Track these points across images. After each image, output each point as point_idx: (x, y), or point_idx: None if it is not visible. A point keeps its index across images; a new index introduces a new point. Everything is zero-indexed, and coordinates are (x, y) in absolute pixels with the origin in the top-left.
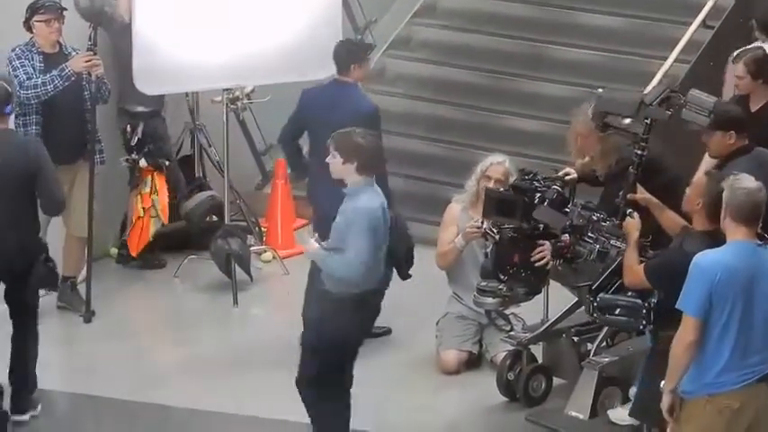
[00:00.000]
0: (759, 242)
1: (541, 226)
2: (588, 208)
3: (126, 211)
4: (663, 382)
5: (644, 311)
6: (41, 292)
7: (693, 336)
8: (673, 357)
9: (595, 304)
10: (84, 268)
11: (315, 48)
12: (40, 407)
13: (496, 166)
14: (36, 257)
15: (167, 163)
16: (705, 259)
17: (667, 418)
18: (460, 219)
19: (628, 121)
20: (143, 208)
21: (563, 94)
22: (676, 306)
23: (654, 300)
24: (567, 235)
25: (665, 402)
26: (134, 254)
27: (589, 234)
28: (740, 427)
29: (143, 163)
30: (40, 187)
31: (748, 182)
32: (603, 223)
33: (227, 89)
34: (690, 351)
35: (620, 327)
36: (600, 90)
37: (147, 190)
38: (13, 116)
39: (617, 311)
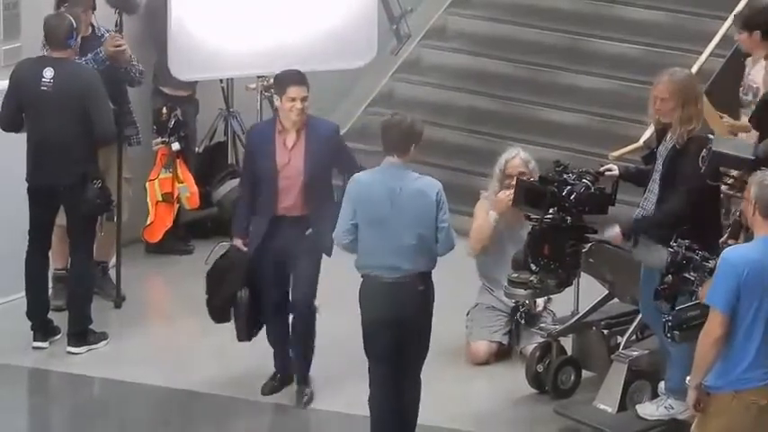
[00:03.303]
0: None
1: (569, 219)
2: (691, 249)
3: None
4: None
5: None
6: None
7: (721, 331)
8: (699, 352)
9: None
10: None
11: (350, 36)
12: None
13: (512, 160)
14: (86, 181)
15: (197, 150)
16: (733, 254)
17: (693, 412)
18: (491, 213)
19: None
20: (163, 193)
21: (600, 87)
22: (705, 301)
23: None
24: (670, 276)
25: (691, 397)
26: (152, 241)
27: (690, 274)
28: (766, 424)
29: (176, 147)
30: (91, 114)
31: None
32: (706, 263)
33: (261, 76)
34: (717, 346)
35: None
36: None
37: (168, 175)
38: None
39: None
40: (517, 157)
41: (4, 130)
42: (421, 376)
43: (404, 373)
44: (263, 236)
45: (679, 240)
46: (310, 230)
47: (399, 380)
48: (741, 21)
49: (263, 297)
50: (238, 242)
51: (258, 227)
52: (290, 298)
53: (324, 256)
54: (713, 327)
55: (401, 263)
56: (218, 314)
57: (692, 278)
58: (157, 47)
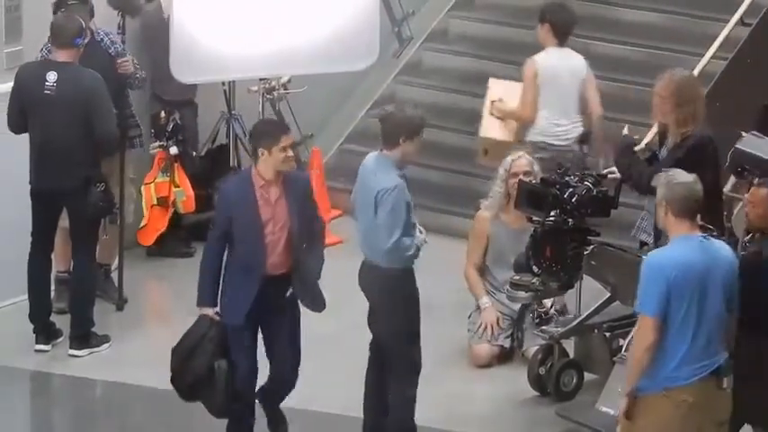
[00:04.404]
0: (703, 235)
1: (571, 221)
2: None
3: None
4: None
5: None
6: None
7: (654, 336)
8: (634, 358)
9: None
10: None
11: (352, 39)
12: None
13: (518, 160)
14: (89, 184)
15: (194, 154)
16: (658, 258)
17: (622, 420)
18: (492, 230)
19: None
20: (159, 197)
21: (601, 89)
22: (635, 309)
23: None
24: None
25: (623, 404)
26: (145, 244)
27: None
28: (694, 422)
29: (174, 150)
30: (93, 117)
31: (683, 176)
32: None
33: (263, 79)
34: (650, 352)
35: None
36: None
37: (165, 179)
38: None
39: None
40: (523, 158)
41: (14, 132)
42: (422, 378)
43: (387, 372)
44: (254, 299)
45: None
46: (291, 290)
47: (383, 378)
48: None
49: (239, 367)
50: (209, 311)
51: (244, 290)
52: (274, 367)
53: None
54: (646, 333)
55: (363, 249)
56: (188, 393)
57: None
58: (155, 57)
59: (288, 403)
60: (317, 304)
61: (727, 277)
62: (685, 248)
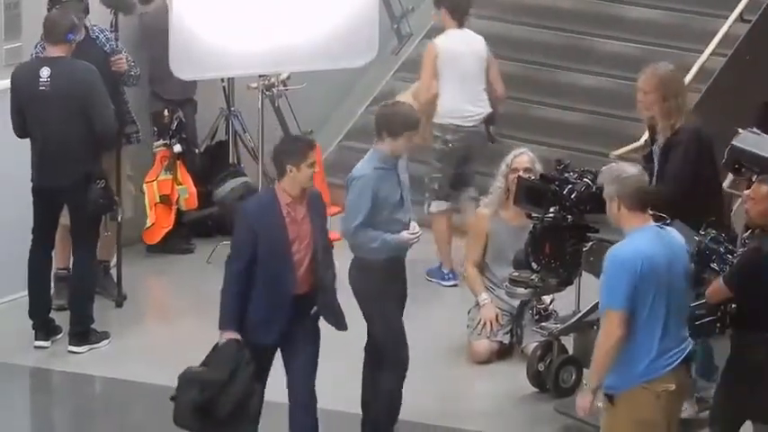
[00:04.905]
0: (658, 225)
1: (570, 217)
2: (717, 240)
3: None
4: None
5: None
6: None
7: (621, 331)
8: (600, 355)
9: None
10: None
11: (352, 36)
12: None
13: (520, 156)
14: (89, 181)
15: (197, 151)
16: (623, 252)
17: (584, 414)
18: (491, 227)
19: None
20: (161, 195)
21: (600, 86)
22: (601, 306)
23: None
24: (692, 264)
25: (587, 399)
26: (151, 243)
27: (712, 266)
28: (672, 408)
29: (177, 148)
30: (90, 111)
31: (631, 169)
32: (729, 256)
33: (262, 75)
34: (619, 346)
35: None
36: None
37: (168, 177)
38: None
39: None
40: (525, 155)
41: (18, 136)
42: (421, 374)
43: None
44: (288, 319)
45: (708, 230)
46: (315, 309)
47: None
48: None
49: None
50: (235, 335)
51: (275, 309)
52: (294, 389)
53: None
54: (613, 328)
55: None
56: (220, 424)
57: (716, 269)
58: (155, 55)
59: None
60: (341, 323)
61: (686, 265)
62: (646, 240)
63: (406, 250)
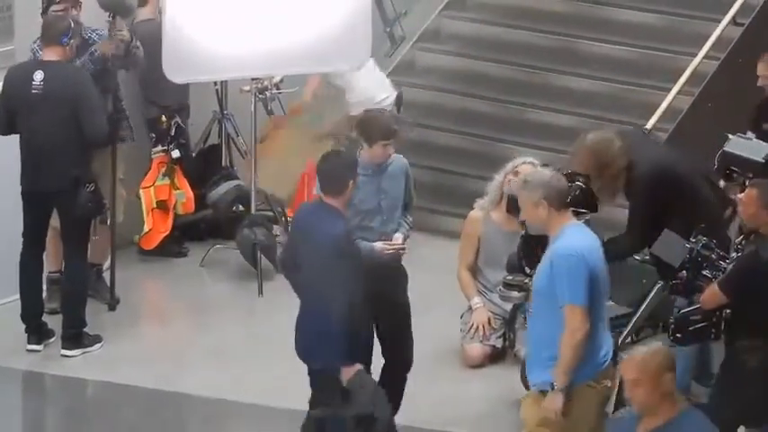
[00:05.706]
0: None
1: None
2: (709, 247)
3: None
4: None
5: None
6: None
7: (586, 326)
8: (568, 353)
9: (673, 327)
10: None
11: (344, 39)
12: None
13: (527, 165)
14: (78, 185)
15: (193, 155)
16: (573, 248)
17: (556, 417)
18: (484, 230)
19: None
20: (158, 201)
21: (594, 89)
22: (566, 304)
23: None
24: (684, 272)
25: (558, 400)
26: (148, 248)
27: (704, 273)
28: (607, 403)
29: (176, 154)
30: (81, 115)
31: (548, 171)
32: (722, 262)
33: (255, 79)
34: (585, 341)
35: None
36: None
37: (165, 182)
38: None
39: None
40: (530, 165)
41: (0, 133)
42: (415, 378)
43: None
44: None
45: (699, 237)
46: None
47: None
48: None
49: None
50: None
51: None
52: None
53: None
54: (579, 324)
55: None
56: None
57: (708, 276)
58: (150, 62)
59: (292, 404)
60: None
61: (603, 257)
62: (584, 234)
63: (382, 259)
